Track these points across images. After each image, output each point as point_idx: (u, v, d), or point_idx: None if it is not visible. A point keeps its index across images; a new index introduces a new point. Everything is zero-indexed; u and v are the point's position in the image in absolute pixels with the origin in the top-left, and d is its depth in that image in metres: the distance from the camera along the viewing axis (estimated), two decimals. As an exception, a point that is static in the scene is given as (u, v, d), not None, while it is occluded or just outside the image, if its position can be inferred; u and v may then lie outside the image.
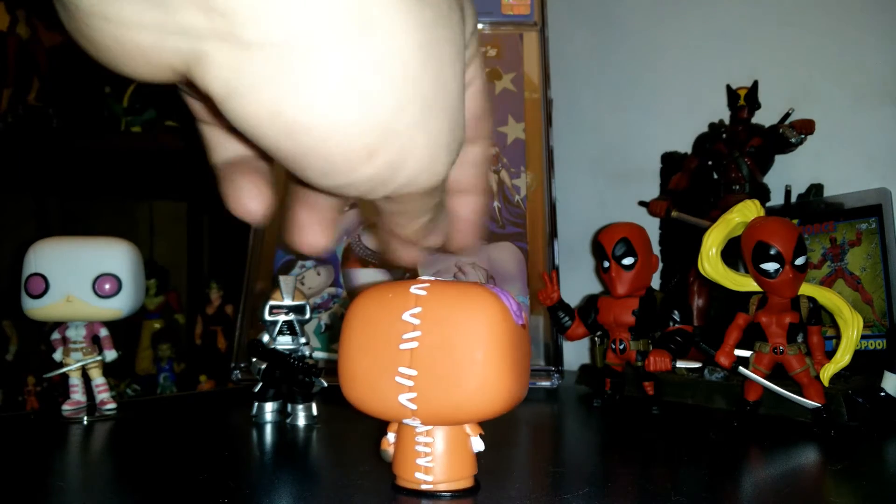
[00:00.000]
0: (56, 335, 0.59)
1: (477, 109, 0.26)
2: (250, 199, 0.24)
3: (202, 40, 0.17)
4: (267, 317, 0.56)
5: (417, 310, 0.29)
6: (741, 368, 0.51)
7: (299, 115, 0.18)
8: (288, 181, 0.25)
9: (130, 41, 0.18)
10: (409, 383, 0.29)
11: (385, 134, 0.19)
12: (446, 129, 0.20)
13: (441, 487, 0.32)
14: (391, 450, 0.34)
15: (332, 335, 0.75)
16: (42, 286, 0.56)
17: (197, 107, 0.24)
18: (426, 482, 0.32)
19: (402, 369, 0.29)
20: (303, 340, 0.56)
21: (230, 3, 0.16)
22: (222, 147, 0.25)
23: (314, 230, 0.26)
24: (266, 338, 0.55)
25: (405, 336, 0.30)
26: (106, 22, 0.17)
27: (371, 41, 0.17)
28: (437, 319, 0.29)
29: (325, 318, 0.76)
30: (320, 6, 0.17)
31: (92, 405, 0.59)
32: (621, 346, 0.60)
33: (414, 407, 0.30)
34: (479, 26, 0.85)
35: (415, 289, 0.30)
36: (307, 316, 0.57)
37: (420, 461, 0.32)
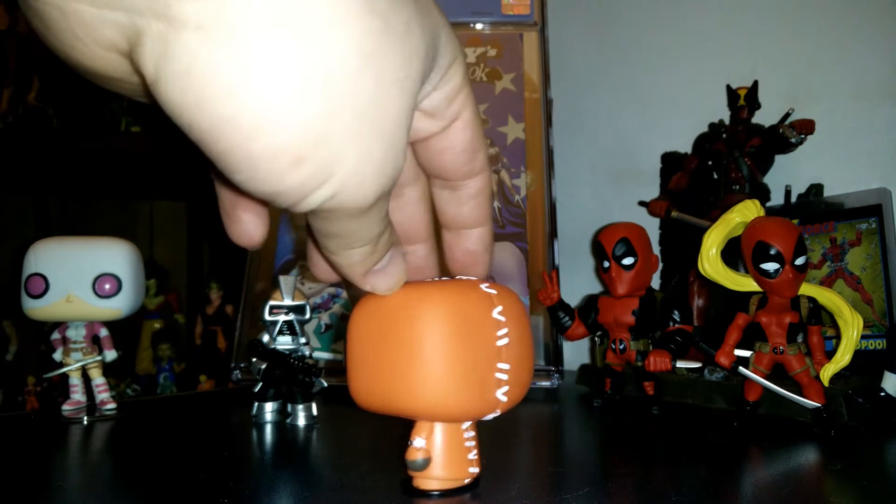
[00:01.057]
0: (56, 335, 0.59)
1: (467, 143, 0.26)
2: (249, 232, 0.25)
3: (141, 15, 0.16)
4: (267, 317, 0.56)
5: (500, 307, 0.30)
6: (741, 368, 0.51)
7: (224, 105, 0.17)
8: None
9: (72, 16, 0.17)
10: (505, 377, 0.30)
11: (314, 140, 0.18)
12: (380, 149, 0.19)
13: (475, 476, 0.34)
14: (424, 456, 0.32)
15: (332, 335, 0.75)
16: (42, 286, 0.56)
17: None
18: (474, 474, 0.33)
19: (500, 364, 0.30)
20: (303, 340, 0.56)
21: None
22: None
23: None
24: (266, 338, 0.55)
25: (499, 333, 0.30)
26: None
27: (305, 35, 0.17)
28: (511, 316, 0.31)
29: (325, 318, 0.76)
30: None
31: (92, 405, 0.59)
32: (621, 346, 0.60)
33: (505, 400, 0.31)
34: (479, 26, 0.85)
35: (486, 287, 0.31)
36: (307, 316, 0.57)
37: (471, 455, 0.33)
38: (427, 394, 0.28)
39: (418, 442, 0.31)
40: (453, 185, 0.28)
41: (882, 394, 0.51)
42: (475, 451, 0.33)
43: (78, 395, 0.58)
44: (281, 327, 0.55)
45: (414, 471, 0.32)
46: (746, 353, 0.52)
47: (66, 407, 0.58)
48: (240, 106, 0.17)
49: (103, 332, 0.60)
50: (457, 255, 0.30)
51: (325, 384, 0.56)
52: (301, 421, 0.53)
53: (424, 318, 0.28)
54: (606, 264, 0.60)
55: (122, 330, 0.62)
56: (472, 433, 0.33)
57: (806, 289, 0.50)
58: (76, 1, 0.17)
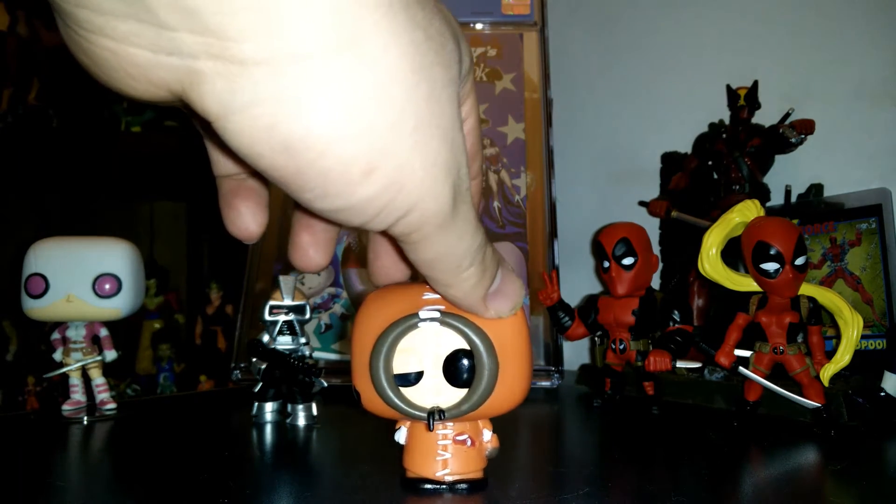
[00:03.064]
0: (56, 335, 0.59)
1: (470, 147, 0.26)
2: (247, 223, 0.25)
3: (197, 59, 0.17)
4: (267, 317, 0.56)
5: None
6: (741, 368, 0.51)
7: (295, 129, 0.17)
8: (286, 202, 0.25)
9: (126, 58, 0.18)
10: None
11: (381, 151, 0.19)
12: (444, 151, 0.20)
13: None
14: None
15: (332, 335, 0.75)
16: (42, 286, 0.56)
17: (199, 122, 0.24)
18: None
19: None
20: (303, 340, 0.56)
21: (223, 24, 0.16)
22: (221, 163, 0.25)
23: (314, 250, 0.27)
24: (266, 338, 0.55)
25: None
26: (103, 38, 0.17)
27: (362, 56, 0.18)
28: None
29: (325, 318, 0.76)
30: (310, 23, 0.17)
31: (92, 405, 0.59)
32: (621, 346, 0.60)
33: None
34: (479, 26, 0.85)
35: None
36: (307, 316, 0.57)
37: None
38: (521, 391, 0.31)
39: (488, 435, 0.33)
40: None
41: (882, 394, 0.51)
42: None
43: (78, 395, 0.58)
44: (281, 327, 0.55)
45: (493, 458, 0.34)
46: (746, 353, 0.52)
47: (66, 407, 0.58)
48: (310, 124, 0.18)
49: (103, 332, 0.60)
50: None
51: (325, 384, 0.56)
52: (301, 421, 0.53)
53: (518, 320, 0.30)
54: (606, 264, 0.60)
55: (122, 330, 0.62)
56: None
57: (806, 289, 0.50)
58: (130, 45, 0.17)
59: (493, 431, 0.33)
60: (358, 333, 0.31)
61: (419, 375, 0.30)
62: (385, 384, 0.29)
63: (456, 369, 0.29)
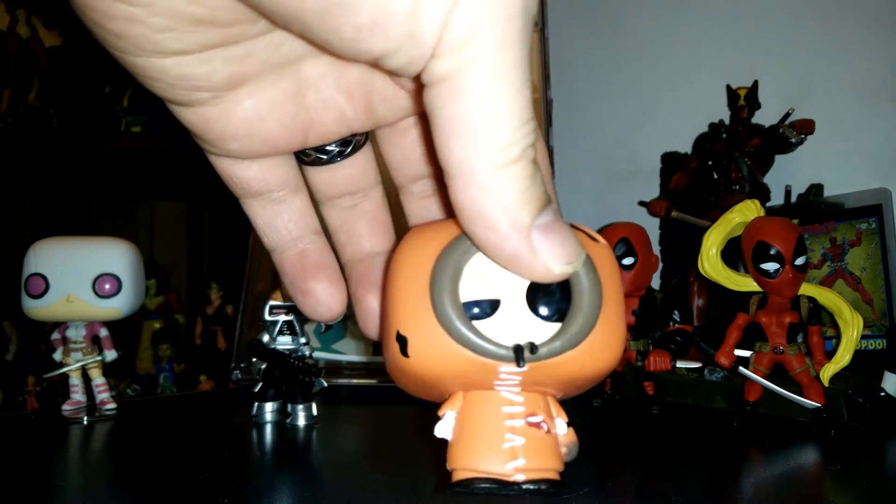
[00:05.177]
0: (56, 335, 0.59)
1: None
2: (329, 306, 0.23)
3: None
4: (267, 317, 0.56)
5: None
6: (741, 368, 0.51)
7: None
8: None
9: None
10: None
11: None
12: None
13: None
14: None
15: (332, 335, 0.75)
16: (42, 286, 0.55)
17: (240, 182, 0.22)
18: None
19: None
20: (303, 340, 0.56)
21: None
22: (270, 227, 0.23)
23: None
24: (266, 338, 0.55)
25: None
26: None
27: None
28: None
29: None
30: None
31: (92, 405, 0.59)
32: (621, 346, 0.60)
33: None
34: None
35: None
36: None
37: None
38: (619, 344, 0.22)
39: (563, 426, 0.24)
40: (398, 130, 0.23)
41: (882, 394, 0.51)
42: None
43: (78, 395, 0.58)
44: (281, 327, 0.55)
45: (570, 460, 0.24)
46: (746, 353, 0.52)
47: (66, 407, 0.58)
48: None
49: (103, 332, 0.59)
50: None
51: (325, 384, 0.56)
52: (301, 421, 0.53)
53: (612, 255, 0.22)
54: (606, 264, 0.60)
55: (122, 330, 0.62)
56: None
57: (806, 289, 0.50)
58: None
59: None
60: (403, 264, 0.22)
61: (495, 305, 0.21)
62: (452, 313, 0.21)
63: (546, 293, 0.21)
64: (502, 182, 0.16)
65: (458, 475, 0.22)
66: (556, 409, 0.24)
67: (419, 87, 0.17)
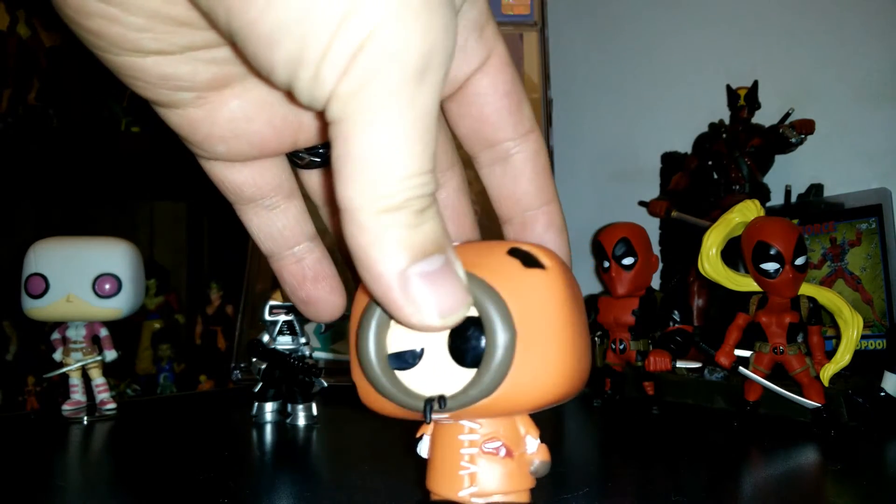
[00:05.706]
0: (56, 335, 0.59)
1: (509, 84, 0.22)
2: (331, 309, 0.24)
3: None
4: (267, 317, 0.56)
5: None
6: (741, 368, 0.51)
7: None
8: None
9: None
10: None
11: None
12: None
13: None
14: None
15: (332, 335, 0.75)
16: (42, 286, 0.56)
17: (232, 186, 0.22)
18: None
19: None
20: (303, 340, 0.56)
21: None
22: (265, 234, 0.24)
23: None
24: (266, 338, 0.55)
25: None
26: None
27: None
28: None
29: (325, 318, 0.76)
30: None
31: (92, 405, 0.59)
32: (621, 346, 0.60)
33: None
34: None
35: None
36: (307, 316, 0.57)
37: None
38: (559, 375, 0.21)
39: (533, 444, 0.24)
40: (503, 153, 0.23)
41: (882, 394, 0.51)
42: None
43: (78, 395, 0.58)
44: (281, 327, 0.55)
45: (542, 476, 0.24)
46: (746, 353, 0.52)
47: (66, 407, 0.58)
48: None
49: (103, 332, 0.60)
50: None
51: (325, 384, 0.56)
52: (301, 421, 0.53)
53: (554, 279, 0.21)
54: (606, 264, 0.60)
55: (122, 330, 0.62)
56: None
57: (806, 289, 0.50)
58: None
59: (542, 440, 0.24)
60: (353, 312, 0.23)
61: (419, 354, 0.22)
62: (375, 366, 0.22)
63: (464, 342, 0.21)
64: (382, 225, 0.16)
65: (433, 497, 0.24)
66: (525, 426, 0.24)
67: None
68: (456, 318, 0.18)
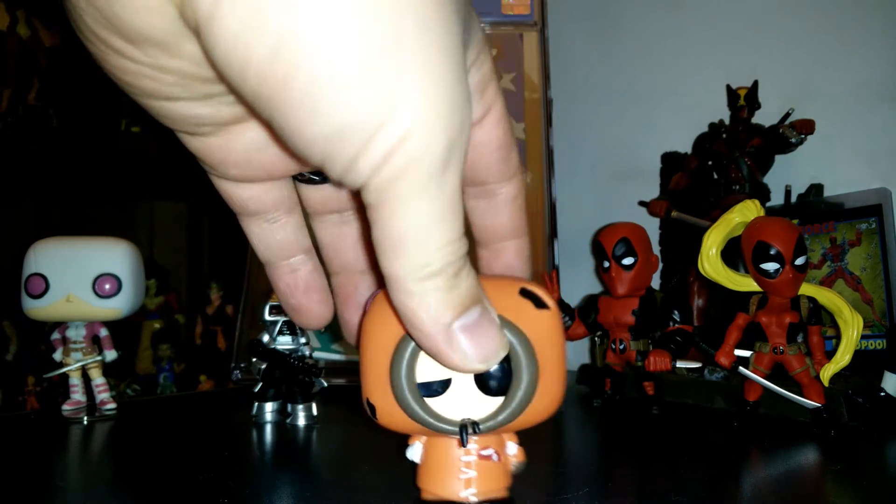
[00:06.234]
0: (56, 335, 0.59)
1: (503, 138, 0.24)
2: (322, 316, 0.26)
3: None
4: (267, 317, 0.56)
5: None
6: (741, 368, 0.51)
7: (287, 23, 0.16)
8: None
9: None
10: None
11: (379, 52, 0.16)
12: (448, 72, 0.17)
13: None
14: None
15: (331, 335, 0.75)
16: (42, 286, 0.56)
17: (238, 201, 0.24)
18: None
19: None
20: (303, 340, 0.56)
21: None
22: (264, 244, 0.25)
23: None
24: (266, 338, 0.55)
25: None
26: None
27: None
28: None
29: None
30: None
31: (92, 405, 0.59)
32: (621, 346, 0.60)
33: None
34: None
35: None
36: (307, 316, 0.57)
37: None
38: (559, 397, 0.26)
39: (513, 448, 0.29)
40: (489, 191, 0.26)
41: (882, 394, 0.51)
42: None
43: (78, 395, 0.58)
44: (281, 327, 0.55)
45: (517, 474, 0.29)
46: (746, 353, 0.52)
47: (66, 407, 0.58)
48: (302, 22, 0.16)
49: (103, 332, 0.60)
50: (496, 273, 0.28)
51: (325, 384, 0.56)
52: (301, 421, 0.53)
53: (555, 317, 0.26)
54: (606, 264, 0.60)
55: (122, 330, 0.62)
56: None
57: (806, 289, 0.50)
58: None
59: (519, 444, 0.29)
60: (370, 339, 0.26)
61: (446, 384, 0.25)
62: (409, 395, 0.25)
63: (490, 375, 0.24)
64: (425, 290, 0.19)
65: (425, 495, 0.28)
66: (507, 435, 0.28)
67: None
68: (496, 361, 0.22)
